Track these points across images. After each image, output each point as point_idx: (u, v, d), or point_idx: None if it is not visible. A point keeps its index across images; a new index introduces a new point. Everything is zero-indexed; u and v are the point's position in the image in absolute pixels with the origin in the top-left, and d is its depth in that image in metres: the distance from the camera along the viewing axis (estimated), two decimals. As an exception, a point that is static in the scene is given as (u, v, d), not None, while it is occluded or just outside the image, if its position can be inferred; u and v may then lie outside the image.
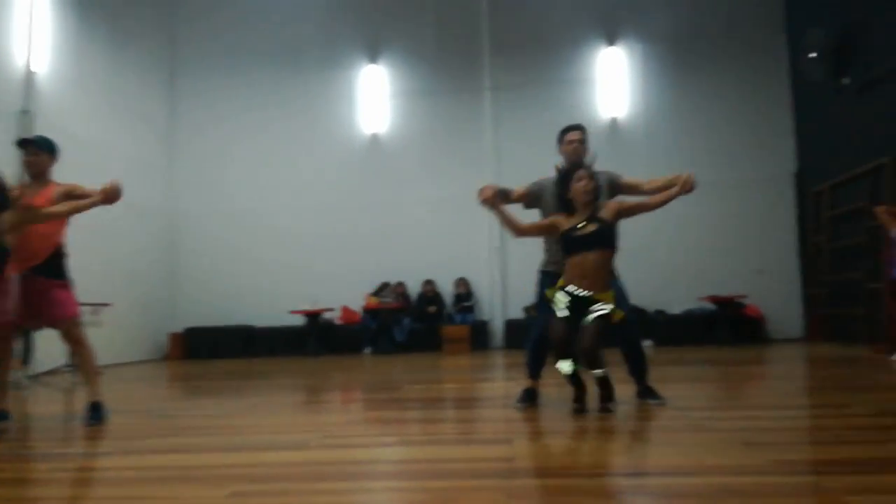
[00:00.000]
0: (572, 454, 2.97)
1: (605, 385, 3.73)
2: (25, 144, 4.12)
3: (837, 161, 9.39)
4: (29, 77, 8.68)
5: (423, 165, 11.53)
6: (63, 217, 3.95)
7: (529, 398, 4.13)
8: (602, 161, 4.05)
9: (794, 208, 10.76)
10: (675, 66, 11.18)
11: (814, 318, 10.18)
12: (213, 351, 10.86)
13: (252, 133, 11.93)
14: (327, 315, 11.07)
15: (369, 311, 10.90)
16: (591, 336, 3.56)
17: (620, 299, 3.84)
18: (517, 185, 4.32)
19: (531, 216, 4.22)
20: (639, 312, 9.44)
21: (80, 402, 4.38)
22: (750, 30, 11.08)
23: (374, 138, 11.80)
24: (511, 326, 10.69)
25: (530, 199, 4.24)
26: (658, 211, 3.83)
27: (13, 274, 3.82)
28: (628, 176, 4.25)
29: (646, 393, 4.08)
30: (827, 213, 9.80)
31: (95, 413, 3.99)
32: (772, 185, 10.79)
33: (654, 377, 4.20)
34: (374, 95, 11.83)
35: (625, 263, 4.13)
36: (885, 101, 8.35)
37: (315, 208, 11.64)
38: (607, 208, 3.82)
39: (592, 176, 3.80)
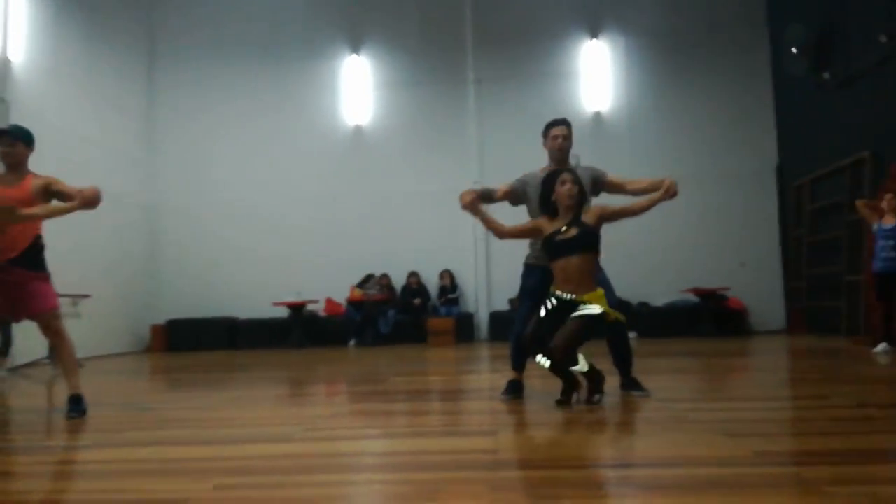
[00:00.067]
0: (556, 446, 2.98)
1: (591, 378, 3.76)
2: (1, 135, 4.03)
3: (818, 155, 9.50)
4: (5, 65, 8.51)
5: (406, 157, 11.48)
6: (40, 220, 3.95)
7: (514, 390, 4.14)
8: (586, 154, 4.07)
9: (776, 202, 10.88)
10: (658, 60, 11.23)
11: (795, 311, 10.31)
12: (196, 343, 10.76)
13: (234, 124, 11.79)
14: (311, 307, 11.03)
15: (354, 303, 10.85)
16: (565, 335, 3.60)
17: (608, 293, 3.86)
18: (501, 178, 4.33)
19: (520, 213, 4.22)
20: (623, 305, 9.48)
21: (61, 394, 4.33)
22: (732, 25, 11.13)
23: (358, 129, 11.72)
24: (496, 319, 10.70)
25: (515, 196, 4.24)
26: (641, 204, 3.86)
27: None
28: (612, 173, 4.26)
29: (630, 385, 4.12)
30: (808, 206, 9.91)
31: (75, 406, 3.94)
32: (754, 178, 10.88)
33: (638, 369, 4.24)
34: (357, 86, 11.73)
35: (609, 256, 4.14)
36: (864, 95, 8.45)
37: (298, 199, 11.54)
38: (590, 213, 3.84)
39: (577, 180, 3.81)
